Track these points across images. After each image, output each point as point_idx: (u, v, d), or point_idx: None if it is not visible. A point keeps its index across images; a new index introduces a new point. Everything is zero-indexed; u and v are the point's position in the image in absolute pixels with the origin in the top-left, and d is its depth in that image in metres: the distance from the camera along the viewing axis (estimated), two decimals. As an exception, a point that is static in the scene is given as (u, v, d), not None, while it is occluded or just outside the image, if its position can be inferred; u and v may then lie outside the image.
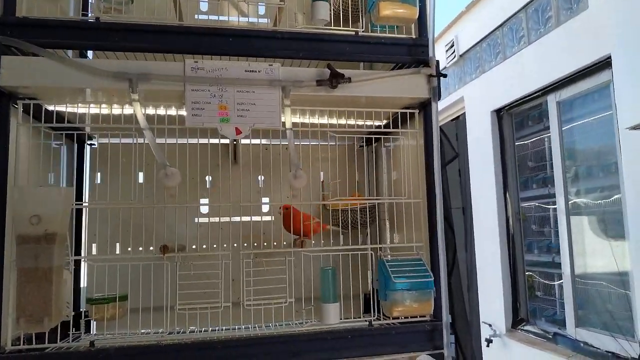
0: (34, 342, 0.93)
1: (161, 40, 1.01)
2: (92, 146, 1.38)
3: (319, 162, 1.46)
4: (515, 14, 3.17)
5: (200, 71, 0.98)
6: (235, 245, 1.39)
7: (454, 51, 3.99)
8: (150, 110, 1.11)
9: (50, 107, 1.05)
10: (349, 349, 0.99)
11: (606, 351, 2.52)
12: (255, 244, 1.40)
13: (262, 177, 1.44)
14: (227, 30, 1.04)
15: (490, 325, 3.53)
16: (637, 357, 2.29)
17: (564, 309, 2.91)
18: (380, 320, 1.05)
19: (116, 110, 1.11)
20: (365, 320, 1.04)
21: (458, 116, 4.16)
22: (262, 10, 1.48)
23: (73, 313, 1.06)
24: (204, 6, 1.48)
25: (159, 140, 1.05)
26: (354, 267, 1.13)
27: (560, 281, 2.92)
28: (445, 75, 1.06)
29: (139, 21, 1.02)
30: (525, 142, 3.35)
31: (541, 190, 3.14)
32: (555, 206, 2.98)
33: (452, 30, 4.10)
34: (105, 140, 1.33)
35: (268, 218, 1.42)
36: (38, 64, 0.96)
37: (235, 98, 0.99)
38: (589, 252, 2.77)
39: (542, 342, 3.00)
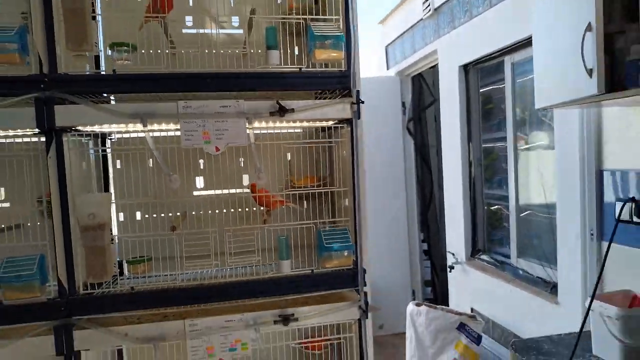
0: (95, 288, 1.48)
1: (160, 84, 1.46)
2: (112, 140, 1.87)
3: (286, 149, 1.94)
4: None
5: (189, 109, 1.44)
6: (224, 211, 1.92)
7: (429, 5, 4.25)
8: (155, 126, 1.58)
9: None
10: (298, 288, 1.54)
11: (537, 277, 3.10)
12: (240, 210, 1.93)
13: (242, 159, 1.93)
14: (206, 74, 1.48)
15: (453, 254, 4.13)
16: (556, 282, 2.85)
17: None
18: (319, 270, 1.58)
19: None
20: (310, 269, 1.58)
21: (436, 64, 4.50)
22: (236, 21, 1.89)
23: (118, 270, 1.61)
24: (189, 21, 1.90)
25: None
26: (307, 234, 1.66)
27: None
28: (362, 102, 1.51)
29: (143, 70, 1.46)
30: (490, 88, 3.73)
31: (501, 133, 3.56)
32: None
33: (429, -16, 4.31)
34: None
35: (247, 190, 1.94)
36: (78, 108, 1.41)
37: (214, 126, 1.45)
38: (529, 187, 3.29)
39: (493, 269, 3.61)
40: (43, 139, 1.42)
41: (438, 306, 3.61)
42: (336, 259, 1.55)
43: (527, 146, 3.28)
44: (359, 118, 1.53)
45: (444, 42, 4.14)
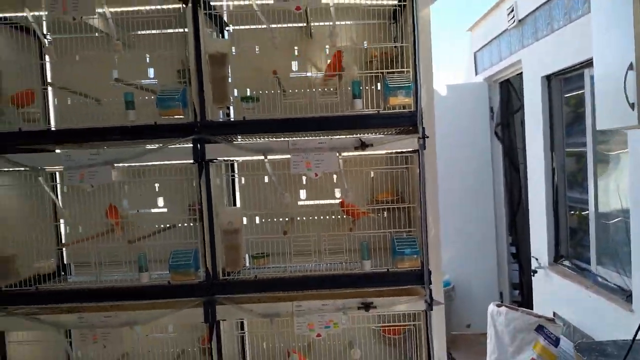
0: (229, 275, 2.05)
1: (276, 126, 1.99)
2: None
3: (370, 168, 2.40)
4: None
5: (296, 145, 1.95)
6: (322, 217, 2.43)
7: (514, 16, 4.43)
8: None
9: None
10: (376, 282, 2.00)
11: (615, 284, 3.23)
12: (333, 217, 2.43)
13: (335, 176, 2.43)
14: (308, 118, 1.98)
15: (536, 259, 4.30)
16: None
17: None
18: (393, 269, 2.02)
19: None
20: (386, 268, 2.02)
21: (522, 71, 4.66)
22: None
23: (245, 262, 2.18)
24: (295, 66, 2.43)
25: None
26: (384, 240, 2.11)
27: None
28: (427, 137, 1.92)
29: (264, 117, 1.99)
30: (572, 98, 3.83)
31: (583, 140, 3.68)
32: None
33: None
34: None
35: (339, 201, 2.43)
36: (220, 146, 1.99)
37: (313, 157, 1.95)
38: (608, 194, 3.41)
39: (574, 275, 3.75)
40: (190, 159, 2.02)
41: (518, 308, 3.84)
42: (407, 261, 1.98)
43: (607, 154, 3.41)
44: (424, 149, 1.93)
45: (527, 53, 4.31)
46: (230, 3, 2.12)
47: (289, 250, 2.13)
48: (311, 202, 2.46)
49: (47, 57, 2.35)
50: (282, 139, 2.08)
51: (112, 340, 2.03)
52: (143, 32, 2.36)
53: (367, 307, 1.99)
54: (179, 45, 2.32)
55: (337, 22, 2.31)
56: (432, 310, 2.00)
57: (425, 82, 2.00)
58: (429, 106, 2.18)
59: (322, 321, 2.02)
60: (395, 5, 2.16)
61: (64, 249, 2.45)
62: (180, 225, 2.47)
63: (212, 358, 2.04)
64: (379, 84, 2.33)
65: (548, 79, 4.01)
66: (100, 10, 1.95)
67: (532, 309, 4.38)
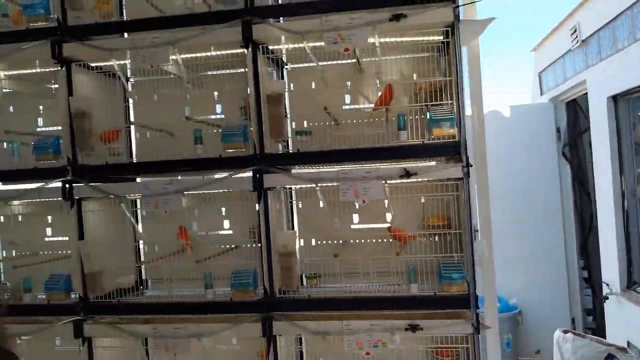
0: (285, 293, 2.22)
1: (327, 157, 2.16)
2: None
3: (421, 192, 2.49)
4: (630, 7, 3.46)
5: (345, 174, 2.10)
6: (374, 240, 2.55)
7: (577, 36, 4.35)
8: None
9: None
10: (423, 304, 2.08)
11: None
12: (384, 240, 2.54)
13: (387, 201, 2.55)
14: (357, 149, 2.13)
15: (607, 285, 4.11)
16: None
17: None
18: (440, 292, 2.10)
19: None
20: (433, 292, 2.10)
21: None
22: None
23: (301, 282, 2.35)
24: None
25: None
26: (431, 264, 2.20)
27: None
28: (471, 165, 2.00)
29: (316, 149, 2.17)
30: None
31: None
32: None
33: (576, 16, 4.42)
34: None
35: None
36: (278, 176, 2.18)
37: (361, 186, 2.09)
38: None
39: (649, 304, 3.56)
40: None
41: (586, 335, 3.69)
42: (454, 285, 2.05)
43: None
44: (469, 177, 2.01)
45: (592, 73, 4.21)
46: (287, 47, 2.33)
47: (340, 272, 2.27)
48: (362, 226, 2.59)
49: (130, 99, 2.70)
50: (333, 168, 2.24)
51: (181, 350, 2.26)
52: (210, 72, 2.64)
53: (414, 328, 2.07)
54: (242, 84, 2.58)
55: (387, 57, 2.46)
56: (479, 333, 2.04)
57: (475, 109, 2.10)
58: (479, 133, 2.26)
59: (370, 340, 2.13)
60: (441, 41, 2.28)
61: (142, 266, 2.75)
62: (243, 246, 2.69)
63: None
64: (428, 113, 2.44)
65: (614, 99, 3.89)
66: (173, 57, 2.24)
67: (605, 337, 4.17)
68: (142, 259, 2.80)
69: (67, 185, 2.31)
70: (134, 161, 2.43)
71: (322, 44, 2.12)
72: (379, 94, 2.42)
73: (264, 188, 2.19)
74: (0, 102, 2.69)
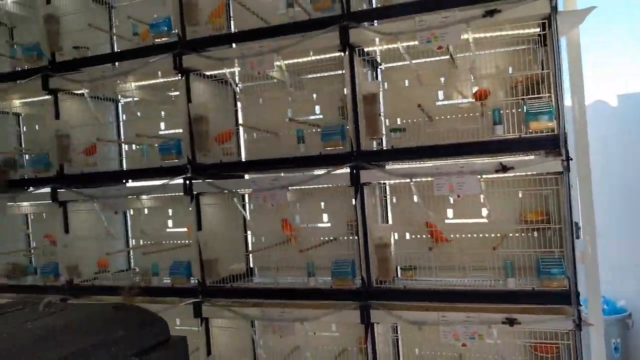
0: (381, 283, 2.34)
1: (421, 153, 2.23)
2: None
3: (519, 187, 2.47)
4: None
5: (438, 170, 2.16)
6: (469, 235, 2.58)
7: None
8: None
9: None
10: (520, 299, 2.08)
11: None
12: (480, 235, 2.55)
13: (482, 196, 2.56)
14: (450, 144, 2.17)
15: None
16: None
17: None
18: (538, 287, 2.09)
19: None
20: (531, 287, 2.10)
21: None
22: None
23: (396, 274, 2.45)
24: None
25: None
26: (529, 258, 2.19)
27: None
28: (571, 159, 1.96)
29: (410, 145, 2.26)
30: None
31: None
32: None
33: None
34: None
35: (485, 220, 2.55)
36: (372, 172, 2.30)
37: (455, 180, 2.14)
38: None
39: None
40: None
41: None
42: (553, 280, 2.03)
43: None
44: (569, 171, 1.98)
45: None
46: (380, 48, 2.43)
47: (435, 265, 2.34)
48: (456, 221, 2.62)
49: (238, 103, 2.98)
50: (427, 163, 2.31)
51: (287, 333, 2.47)
52: (309, 76, 2.82)
53: (511, 322, 2.08)
54: (339, 85, 2.73)
55: (481, 52, 2.47)
56: (580, 330, 2.00)
57: (576, 100, 2.06)
58: (580, 125, 2.21)
59: (467, 332, 2.17)
60: (538, 33, 2.24)
61: (250, 255, 3.02)
62: (340, 238, 2.85)
63: (367, 357, 2.34)
64: (524, 107, 2.41)
65: None
66: (277, 63, 2.44)
67: None
68: (250, 248, 3.07)
69: (187, 182, 2.62)
70: (245, 160, 2.67)
71: (415, 42, 2.19)
72: (474, 89, 2.44)
73: (360, 183, 2.32)
74: (131, 109, 3.09)
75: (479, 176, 2.10)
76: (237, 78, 2.90)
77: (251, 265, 3.04)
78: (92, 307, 1.19)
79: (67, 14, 2.91)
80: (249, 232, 3.07)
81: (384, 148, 2.49)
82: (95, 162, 2.97)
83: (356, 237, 2.39)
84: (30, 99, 3.27)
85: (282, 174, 2.51)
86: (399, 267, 2.56)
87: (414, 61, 2.40)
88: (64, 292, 2.93)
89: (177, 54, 2.59)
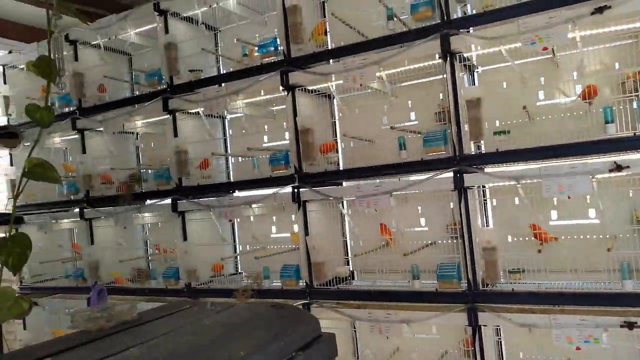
0: (487, 286, 2.36)
1: (525, 155, 2.24)
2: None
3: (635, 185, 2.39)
4: None
5: (547, 170, 2.15)
6: (577, 237, 2.52)
7: None
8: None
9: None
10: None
11: None
12: (588, 236, 2.49)
13: (588, 197, 2.50)
14: (557, 146, 2.16)
15: None
16: None
17: None
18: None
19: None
20: (651, 288, 2.03)
21: None
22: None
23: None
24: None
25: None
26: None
27: None
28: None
29: (517, 147, 2.27)
30: None
31: None
32: None
33: None
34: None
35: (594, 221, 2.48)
36: (476, 175, 2.34)
37: (566, 181, 2.12)
38: None
39: None
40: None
41: None
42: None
43: None
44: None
45: None
46: (481, 52, 2.48)
47: (544, 268, 2.32)
48: (562, 222, 2.58)
49: (336, 114, 3.14)
50: (532, 165, 2.31)
51: (393, 334, 2.56)
52: (405, 83, 2.92)
53: (630, 325, 2.02)
54: (435, 91, 2.80)
55: (586, 49, 2.43)
56: None
57: None
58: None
59: (581, 335, 2.14)
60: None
61: (350, 258, 3.15)
62: (439, 241, 2.89)
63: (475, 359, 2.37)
64: (634, 103, 2.34)
65: None
66: (378, 74, 2.56)
67: None
68: (350, 252, 3.20)
69: (295, 190, 2.81)
70: (349, 167, 2.80)
71: (515, 45, 2.21)
72: (580, 87, 2.41)
73: (464, 187, 2.37)
74: (241, 125, 3.36)
75: (590, 176, 2.08)
76: (334, 90, 3.07)
77: (351, 269, 3.17)
78: (252, 306, 1.35)
79: (183, 41, 3.24)
80: (348, 237, 3.20)
81: (484, 152, 2.50)
82: (210, 174, 3.25)
83: (457, 241, 2.43)
84: (150, 120, 3.66)
85: (382, 180, 2.62)
86: (506, 271, 2.56)
87: (516, 62, 2.43)
88: (184, 294, 3.24)
89: (284, 71, 2.79)
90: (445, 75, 2.44)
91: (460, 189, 2.38)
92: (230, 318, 1.22)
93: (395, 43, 2.53)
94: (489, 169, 2.40)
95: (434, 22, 2.44)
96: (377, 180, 2.62)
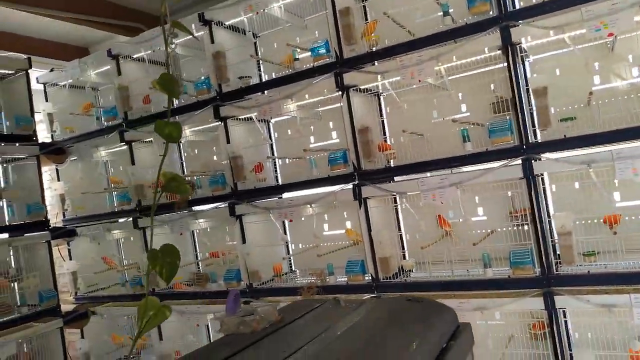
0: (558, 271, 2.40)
1: (593, 140, 2.28)
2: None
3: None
4: None
5: (620, 154, 2.19)
6: (643, 218, 2.55)
7: None
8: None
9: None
10: None
11: None
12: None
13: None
14: (628, 129, 2.20)
15: None
16: None
17: None
18: None
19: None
20: None
21: None
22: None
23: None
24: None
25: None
26: None
27: None
28: None
29: (585, 133, 2.31)
30: None
31: None
32: None
33: None
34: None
35: None
36: (544, 162, 2.38)
37: None
38: None
39: None
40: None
41: None
42: None
43: None
44: None
45: None
46: (542, 41, 2.51)
47: (619, 249, 2.36)
48: (626, 204, 2.61)
49: (384, 110, 3.18)
50: (598, 148, 2.34)
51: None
52: (457, 76, 2.95)
53: None
54: (487, 82, 2.83)
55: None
56: None
57: None
58: None
59: (662, 313, 2.18)
60: None
61: (406, 252, 3.20)
62: (498, 229, 2.93)
63: (553, 342, 2.42)
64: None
65: None
66: (436, 68, 2.60)
67: None
68: (405, 246, 3.25)
69: (356, 188, 2.85)
70: (410, 162, 2.83)
71: (582, 31, 2.25)
72: (638, 70, 2.44)
73: (533, 175, 2.41)
74: (296, 127, 3.40)
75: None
76: (380, 88, 3.10)
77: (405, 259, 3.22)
78: (388, 302, 1.41)
79: (230, 49, 3.29)
80: (403, 230, 3.25)
81: (552, 139, 2.54)
82: (265, 177, 3.31)
83: (521, 228, 2.48)
84: (196, 128, 3.71)
85: (452, 172, 2.67)
86: (580, 254, 2.60)
87: (570, 49, 2.46)
88: (246, 295, 3.30)
89: (339, 72, 2.83)
90: (505, 65, 2.48)
91: (530, 176, 2.42)
92: (378, 313, 1.27)
93: (452, 38, 2.57)
94: (555, 155, 2.44)
95: (491, 15, 2.47)
96: (443, 173, 2.67)
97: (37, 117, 4.03)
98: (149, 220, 3.68)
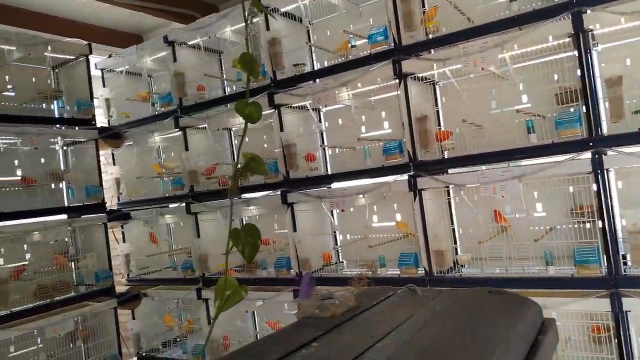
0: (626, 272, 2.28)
1: None
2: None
3: None
4: None
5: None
6: None
7: None
8: None
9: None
10: None
11: None
12: None
13: None
14: None
15: None
16: None
17: None
18: None
19: None
20: None
21: None
22: None
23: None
24: None
25: None
26: None
27: None
28: None
29: None
30: None
31: None
32: None
33: None
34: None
35: None
36: (613, 156, 2.25)
37: None
38: None
39: None
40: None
41: None
42: None
43: None
44: None
45: None
46: (613, 28, 2.37)
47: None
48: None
49: (439, 100, 3.10)
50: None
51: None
52: (518, 65, 2.83)
53: None
54: (549, 72, 2.70)
55: None
56: None
57: None
58: None
59: None
60: None
61: (458, 246, 3.12)
62: (558, 227, 2.81)
63: (619, 346, 2.30)
64: None
65: None
66: (500, 56, 2.50)
67: None
68: (458, 240, 3.17)
69: (412, 179, 2.80)
70: (471, 153, 2.74)
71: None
72: None
73: (602, 169, 2.29)
74: (351, 116, 3.36)
75: None
76: (436, 77, 3.02)
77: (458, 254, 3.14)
78: (469, 292, 1.37)
79: (285, 36, 3.28)
80: (455, 224, 3.17)
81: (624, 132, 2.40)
82: (317, 167, 3.30)
83: (583, 225, 2.37)
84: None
85: (510, 165, 2.57)
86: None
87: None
88: (295, 284, 3.31)
89: (397, 60, 2.78)
90: (572, 54, 2.37)
91: (599, 170, 2.30)
92: (462, 302, 1.24)
93: (517, 25, 2.47)
94: (628, 149, 2.31)
95: (561, 0, 2.35)
96: (502, 166, 2.58)
97: (95, 102, 4.15)
98: (201, 205, 3.75)
